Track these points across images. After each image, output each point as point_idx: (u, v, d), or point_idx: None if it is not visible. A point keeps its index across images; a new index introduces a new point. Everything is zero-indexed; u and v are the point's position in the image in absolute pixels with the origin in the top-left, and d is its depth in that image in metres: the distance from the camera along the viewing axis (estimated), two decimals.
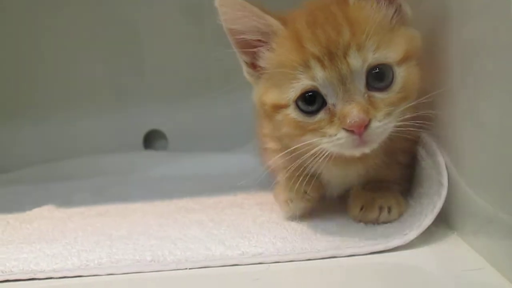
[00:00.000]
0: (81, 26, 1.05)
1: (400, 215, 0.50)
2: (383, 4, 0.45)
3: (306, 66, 0.42)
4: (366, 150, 0.44)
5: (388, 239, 0.47)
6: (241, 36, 0.47)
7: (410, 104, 0.45)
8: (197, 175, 0.91)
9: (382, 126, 0.42)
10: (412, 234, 0.47)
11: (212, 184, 0.83)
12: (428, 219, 0.48)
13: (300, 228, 0.53)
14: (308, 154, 0.45)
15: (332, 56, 0.42)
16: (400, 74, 0.43)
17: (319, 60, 0.42)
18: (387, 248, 0.46)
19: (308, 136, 0.44)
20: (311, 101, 0.43)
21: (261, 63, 0.48)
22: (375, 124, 0.41)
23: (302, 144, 0.45)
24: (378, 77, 0.43)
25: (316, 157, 0.45)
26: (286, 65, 0.43)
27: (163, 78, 1.09)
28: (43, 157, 1.03)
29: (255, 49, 0.47)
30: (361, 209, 0.50)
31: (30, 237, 0.58)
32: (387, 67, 0.43)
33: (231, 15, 0.45)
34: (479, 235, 0.44)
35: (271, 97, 0.46)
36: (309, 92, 0.43)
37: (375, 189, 0.50)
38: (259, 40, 0.46)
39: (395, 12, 0.45)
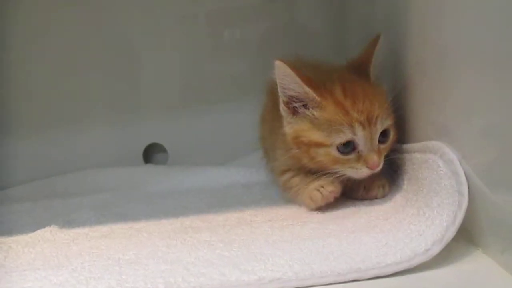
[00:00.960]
0: (78, 39, 1.03)
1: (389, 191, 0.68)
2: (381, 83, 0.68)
3: (350, 126, 0.62)
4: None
5: (410, 255, 0.46)
6: (286, 92, 0.64)
7: None
8: (201, 190, 0.89)
9: (382, 164, 0.64)
10: (435, 249, 0.46)
11: (218, 199, 0.81)
12: (450, 232, 0.47)
13: (316, 248, 0.52)
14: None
15: (369, 121, 0.62)
16: (391, 133, 0.66)
17: (361, 123, 0.62)
18: (411, 267, 0.45)
19: (338, 166, 0.64)
20: (348, 146, 0.63)
21: (298, 109, 0.65)
22: (381, 163, 0.64)
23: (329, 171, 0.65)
24: (384, 135, 0.65)
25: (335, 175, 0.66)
26: (333, 121, 0.62)
27: (162, 91, 1.07)
28: (41, 172, 1.01)
29: (296, 102, 0.65)
30: (364, 188, 0.68)
31: (34, 262, 0.56)
32: (389, 130, 0.65)
33: (281, 75, 0.63)
34: (509, 252, 0.43)
35: (316, 136, 0.64)
36: (349, 141, 0.62)
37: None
38: (298, 98, 0.64)
39: None
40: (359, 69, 0.67)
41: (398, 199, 0.64)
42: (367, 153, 0.63)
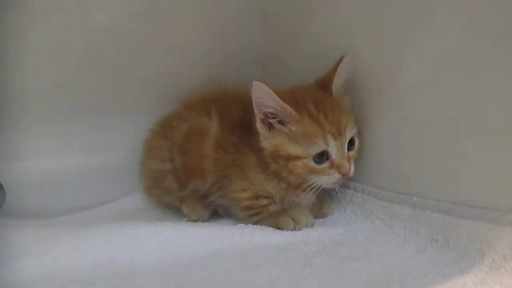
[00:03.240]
0: None
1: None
2: (346, 96, 0.73)
3: (324, 137, 0.67)
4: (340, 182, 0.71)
5: None
6: (264, 109, 0.68)
7: None
8: None
9: (353, 169, 0.69)
10: None
11: None
12: None
13: None
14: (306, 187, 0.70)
15: (339, 132, 0.67)
16: (357, 141, 0.72)
17: (333, 134, 0.67)
18: None
19: (314, 176, 0.69)
20: (322, 156, 0.68)
21: (275, 125, 0.69)
22: (351, 169, 0.69)
23: (306, 181, 0.70)
24: (351, 143, 0.70)
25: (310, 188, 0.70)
26: (309, 134, 0.67)
27: None
28: None
29: (272, 118, 0.69)
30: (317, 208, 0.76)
31: None
32: (354, 138, 0.71)
33: (260, 94, 0.66)
34: None
35: (294, 150, 0.68)
36: (323, 151, 0.68)
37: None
38: (275, 114, 0.68)
39: None
40: (324, 85, 0.71)
41: None
42: (339, 161, 0.68)
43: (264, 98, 0.66)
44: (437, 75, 0.60)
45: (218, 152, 0.75)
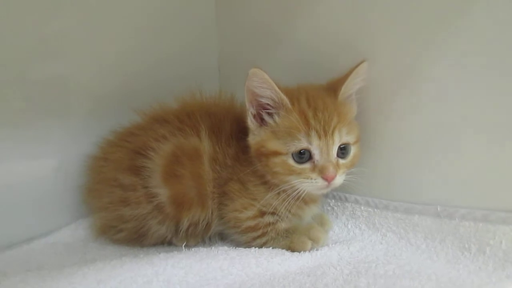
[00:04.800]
0: None
1: None
2: (353, 104, 0.68)
3: (307, 134, 0.61)
4: (328, 190, 0.65)
5: None
6: (258, 99, 0.63)
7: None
8: None
9: (340, 179, 0.63)
10: None
11: None
12: None
13: None
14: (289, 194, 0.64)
15: (325, 132, 0.61)
16: (353, 150, 0.65)
17: (317, 132, 0.61)
18: None
19: (293, 176, 0.62)
20: (303, 155, 0.62)
21: (266, 118, 0.64)
22: (337, 177, 0.62)
23: (286, 183, 0.63)
24: (343, 150, 0.64)
25: (293, 195, 0.63)
26: (293, 129, 0.61)
27: None
28: None
29: (264, 110, 0.64)
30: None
31: None
32: (349, 145, 0.64)
33: (257, 83, 0.61)
34: None
35: (274, 145, 0.63)
36: (304, 149, 0.62)
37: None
38: (269, 105, 0.64)
39: None
40: (333, 88, 0.66)
41: None
42: (323, 164, 0.61)
43: (262, 86, 0.61)
44: (453, 84, 0.59)
45: (216, 170, 0.65)
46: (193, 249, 0.61)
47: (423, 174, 0.64)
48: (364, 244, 0.65)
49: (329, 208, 0.75)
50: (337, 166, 0.62)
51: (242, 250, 0.61)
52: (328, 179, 0.60)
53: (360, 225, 0.70)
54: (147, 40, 0.91)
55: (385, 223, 0.67)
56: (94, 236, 0.74)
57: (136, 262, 0.55)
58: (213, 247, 0.62)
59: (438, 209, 0.61)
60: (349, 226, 0.71)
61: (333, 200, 0.75)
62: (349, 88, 0.66)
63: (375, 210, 0.68)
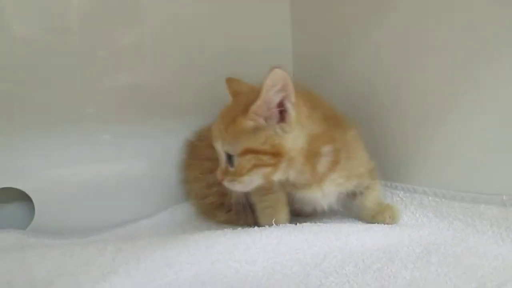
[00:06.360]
0: None
1: None
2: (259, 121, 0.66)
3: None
4: (231, 189, 0.71)
5: None
6: (273, 100, 0.66)
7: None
8: None
9: (228, 184, 0.69)
10: None
11: None
12: None
13: None
14: None
15: (216, 139, 0.69)
16: (238, 161, 0.67)
17: (216, 140, 0.69)
18: None
19: None
20: None
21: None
22: (224, 182, 0.69)
23: None
24: (229, 159, 0.69)
25: None
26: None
27: None
28: None
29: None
30: None
31: None
32: (233, 157, 0.68)
33: (279, 81, 0.64)
34: None
35: None
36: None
37: None
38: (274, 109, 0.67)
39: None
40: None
41: None
42: (219, 168, 0.70)
43: (284, 86, 0.63)
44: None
45: None
46: (280, 224, 0.71)
47: (489, 165, 0.69)
48: (432, 230, 0.71)
49: (398, 199, 0.82)
50: (225, 172, 0.69)
51: (323, 226, 0.70)
52: (220, 181, 0.70)
53: (428, 214, 0.76)
54: (218, 45, 1.01)
55: (452, 212, 0.73)
56: (190, 218, 0.88)
57: (236, 232, 0.66)
58: (298, 223, 0.71)
59: (504, 198, 0.67)
60: (417, 215, 0.77)
61: (401, 192, 0.82)
62: (264, 108, 0.65)
63: (443, 200, 0.75)
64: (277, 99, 0.65)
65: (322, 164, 0.69)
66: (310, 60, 1.06)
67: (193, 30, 0.99)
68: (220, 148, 0.69)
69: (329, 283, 0.55)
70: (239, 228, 0.69)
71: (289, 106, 0.65)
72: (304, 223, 0.71)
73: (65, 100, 0.89)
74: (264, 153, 0.66)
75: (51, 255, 0.63)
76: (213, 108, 0.76)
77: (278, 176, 0.68)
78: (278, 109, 0.66)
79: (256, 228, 0.69)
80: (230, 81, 0.76)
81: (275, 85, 0.63)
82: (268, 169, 0.67)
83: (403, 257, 0.61)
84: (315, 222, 0.73)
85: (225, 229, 0.69)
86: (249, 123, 0.66)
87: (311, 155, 0.68)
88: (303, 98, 0.69)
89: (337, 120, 0.73)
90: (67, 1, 0.89)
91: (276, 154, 0.66)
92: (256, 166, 0.66)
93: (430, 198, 0.77)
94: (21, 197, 0.87)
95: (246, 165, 0.66)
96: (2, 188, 0.85)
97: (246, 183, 0.68)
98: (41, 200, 0.86)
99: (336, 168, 0.71)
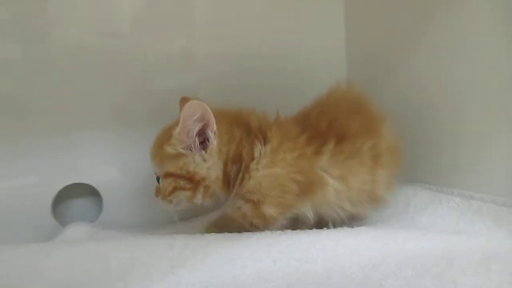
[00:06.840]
0: None
1: None
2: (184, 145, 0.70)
3: None
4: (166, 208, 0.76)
5: None
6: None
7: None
8: None
9: (160, 202, 0.75)
10: None
11: None
12: None
13: None
14: None
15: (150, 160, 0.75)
16: (162, 181, 0.73)
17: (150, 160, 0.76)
18: None
19: None
20: None
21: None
22: (158, 200, 0.75)
23: None
24: (158, 179, 0.75)
25: None
26: None
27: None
28: None
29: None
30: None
31: None
32: (159, 177, 0.74)
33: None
34: None
35: None
36: None
37: None
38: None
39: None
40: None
41: None
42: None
43: (203, 115, 0.69)
44: None
45: None
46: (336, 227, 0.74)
47: None
48: (490, 238, 0.71)
49: (454, 205, 0.81)
50: (157, 189, 0.75)
51: (379, 230, 0.71)
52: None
53: (486, 221, 0.75)
54: (270, 47, 1.03)
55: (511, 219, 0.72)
56: None
57: (295, 233, 0.69)
58: (354, 227, 0.73)
59: None
60: (475, 222, 0.77)
61: (458, 198, 0.81)
62: (184, 136, 0.70)
63: (502, 208, 0.74)
64: (196, 128, 0.69)
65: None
66: (365, 61, 1.06)
67: (245, 33, 1.02)
68: (152, 168, 0.75)
69: (389, 285, 0.56)
70: (297, 230, 0.72)
71: (210, 135, 0.70)
72: (362, 227, 0.73)
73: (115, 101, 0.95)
74: (182, 177, 0.71)
75: (124, 247, 0.68)
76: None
77: (199, 200, 0.72)
78: (200, 137, 0.70)
79: (314, 229, 0.71)
80: (183, 101, 0.77)
81: (193, 115, 0.68)
82: (187, 193, 0.71)
83: (462, 263, 0.61)
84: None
85: (285, 230, 0.71)
86: (170, 149, 0.71)
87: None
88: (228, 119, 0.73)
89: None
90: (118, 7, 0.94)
91: (191, 180, 0.70)
92: (176, 189, 0.72)
93: (488, 205, 0.76)
94: (90, 192, 0.93)
95: (168, 187, 0.72)
96: (73, 184, 0.92)
97: (173, 203, 0.74)
98: (109, 194, 0.92)
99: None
